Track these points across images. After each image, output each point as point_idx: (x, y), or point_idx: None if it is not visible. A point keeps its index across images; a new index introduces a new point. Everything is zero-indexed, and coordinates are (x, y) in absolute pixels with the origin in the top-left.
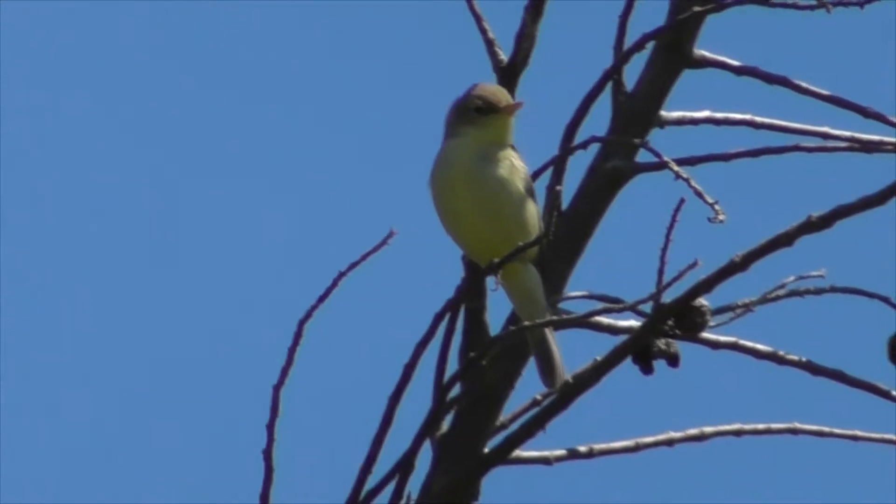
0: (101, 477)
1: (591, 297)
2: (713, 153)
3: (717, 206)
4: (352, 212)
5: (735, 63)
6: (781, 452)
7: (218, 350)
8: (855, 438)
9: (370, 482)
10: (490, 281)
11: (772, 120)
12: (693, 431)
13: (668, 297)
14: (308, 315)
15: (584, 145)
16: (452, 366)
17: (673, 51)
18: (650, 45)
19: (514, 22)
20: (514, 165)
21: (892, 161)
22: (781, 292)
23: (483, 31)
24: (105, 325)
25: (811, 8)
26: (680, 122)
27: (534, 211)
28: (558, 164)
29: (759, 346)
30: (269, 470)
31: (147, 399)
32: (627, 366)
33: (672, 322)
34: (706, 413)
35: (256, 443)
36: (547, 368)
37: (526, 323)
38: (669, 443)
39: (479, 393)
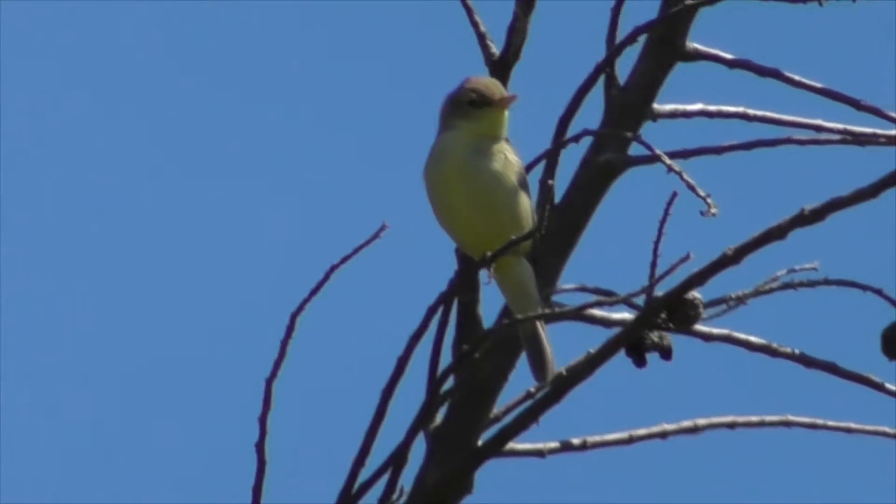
0: (89, 469)
1: (584, 289)
2: (706, 146)
3: (709, 200)
4: (345, 205)
5: (728, 56)
6: (775, 445)
7: (210, 343)
8: (848, 431)
9: (363, 475)
10: (483, 274)
11: (765, 113)
12: (686, 424)
13: (660, 290)
14: (300, 308)
15: (576, 138)
16: (446, 359)
17: (665, 44)
18: (642, 38)
19: (506, 15)
20: (508, 159)
21: (885, 154)
22: (774, 285)
23: (475, 25)
24: (96, 318)
25: (803, 1)
26: (672, 115)
27: (527, 204)
28: (551, 158)
29: (753, 339)
30: (261, 463)
31: (139, 392)
32: (621, 358)
33: (665, 315)
34: (700, 405)
35: (249, 436)
36: (538, 363)
37: (519, 316)
38: (663, 435)
39: (472, 386)
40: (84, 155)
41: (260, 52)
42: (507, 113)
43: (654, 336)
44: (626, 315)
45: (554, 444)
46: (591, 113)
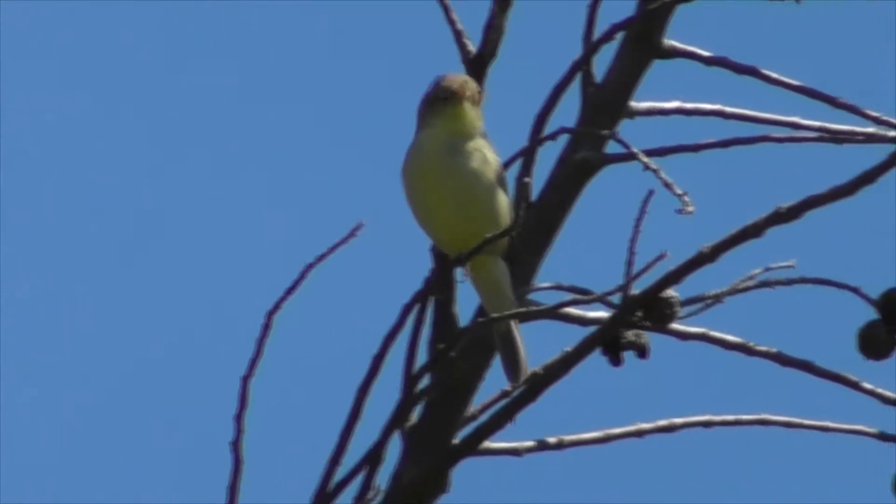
0: (60, 468)
1: (559, 288)
2: (683, 144)
3: (685, 198)
4: (322, 203)
5: (705, 53)
6: (751, 443)
7: (186, 342)
8: (825, 429)
9: (339, 474)
10: (458, 272)
11: (742, 110)
12: (663, 423)
13: (637, 289)
14: (276, 307)
15: (553, 136)
16: (422, 357)
17: (642, 41)
18: (619, 36)
19: (483, 13)
20: (486, 157)
21: (862, 151)
22: (751, 283)
23: (451, 22)
24: (70, 318)
25: None
26: (649, 112)
27: (505, 202)
28: (527, 156)
29: (729, 337)
30: (237, 462)
31: (114, 391)
32: (596, 357)
33: (641, 313)
34: (676, 404)
35: (225, 435)
36: (511, 363)
37: (495, 314)
38: (639, 434)
39: (448, 384)
40: (84, 154)
41: (237, 51)
42: (468, 106)
43: (630, 335)
44: (602, 313)
45: (530, 443)
46: (568, 111)
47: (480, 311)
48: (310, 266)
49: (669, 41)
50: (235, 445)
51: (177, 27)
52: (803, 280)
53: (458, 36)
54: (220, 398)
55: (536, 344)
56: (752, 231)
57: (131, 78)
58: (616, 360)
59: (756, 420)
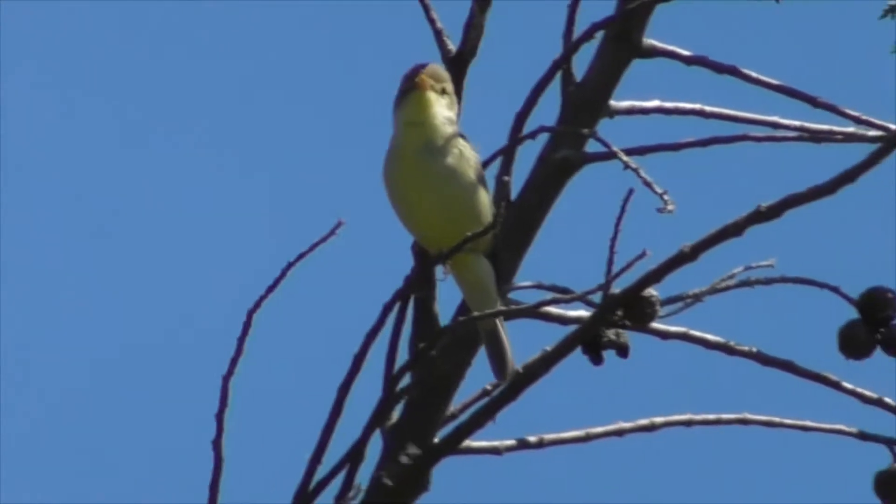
0: (36, 465)
1: (540, 287)
2: (662, 143)
3: (666, 196)
4: (302, 201)
5: (685, 53)
6: (731, 443)
7: (167, 340)
8: (805, 429)
9: (320, 472)
10: (439, 270)
11: (721, 109)
12: (643, 422)
13: (617, 288)
14: (257, 305)
15: (532, 135)
16: (402, 356)
17: (622, 40)
18: (599, 35)
19: (463, 12)
20: (464, 154)
21: (842, 151)
22: (731, 282)
23: (431, 21)
24: (49, 311)
25: None
26: (629, 111)
27: (485, 199)
28: (507, 154)
29: (709, 337)
30: (218, 460)
31: (93, 389)
32: (577, 356)
33: (621, 312)
34: (656, 403)
35: (206, 433)
36: (498, 361)
37: (475, 313)
38: (619, 433)
39: (429, 383)
40: (84, 154)
41: (229, 51)
42: (431, 95)
43: (611, 334)
44: (582, 312)
45: (511, 442)
46: (548, 109)
47: (461, 310)
48: (290, 264)
49: (649, 40)
50: (216, 444)
51: (176, 27)
52: (784, 279)
53: (438, 35)
54: (200, 397)
55: (517, 343)
56: (733, 230)
57: (131, 78)
58: (597, 360)
59: (737, 419)
